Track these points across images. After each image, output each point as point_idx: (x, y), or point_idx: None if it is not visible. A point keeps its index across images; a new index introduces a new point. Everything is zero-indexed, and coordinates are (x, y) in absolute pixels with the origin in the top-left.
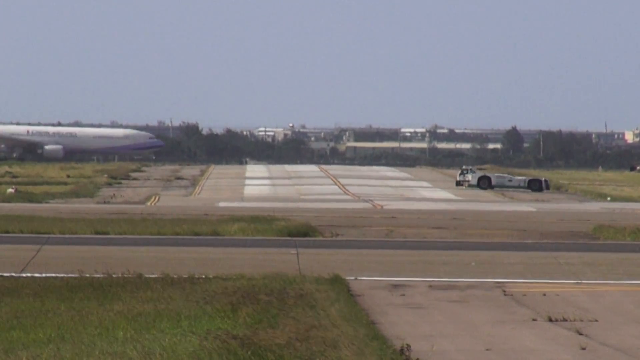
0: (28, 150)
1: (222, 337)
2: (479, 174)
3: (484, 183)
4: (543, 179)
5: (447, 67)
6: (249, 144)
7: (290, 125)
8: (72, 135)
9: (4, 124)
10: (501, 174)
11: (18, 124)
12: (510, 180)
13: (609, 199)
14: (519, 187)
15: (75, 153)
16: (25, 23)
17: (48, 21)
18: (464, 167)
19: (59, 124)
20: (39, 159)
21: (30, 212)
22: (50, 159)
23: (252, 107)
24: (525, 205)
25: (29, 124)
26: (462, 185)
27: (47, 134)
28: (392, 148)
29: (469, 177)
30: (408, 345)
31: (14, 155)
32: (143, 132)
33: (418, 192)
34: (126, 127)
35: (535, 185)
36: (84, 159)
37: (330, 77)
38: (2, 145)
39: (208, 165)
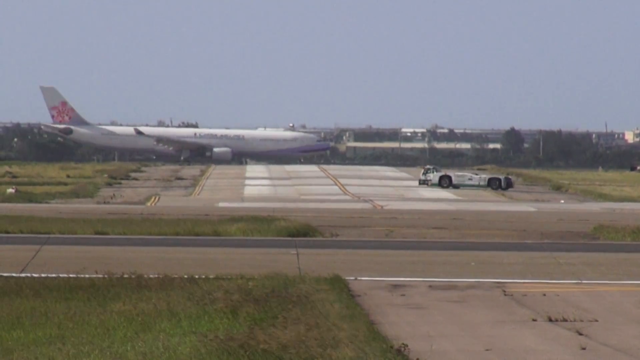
0: (197, 153)
1: (222, 337)
2: (440, 173)
3: (445, 182)
4: (503, 177)
5: (447, 67)
6: None
7: (290, 125)
8: (240, 138)
9: (172, 126)
10: (461, 173)
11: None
12: (470, 179)
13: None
14: (479, 185)
15: (242, 155)
16: (25, 23)
17: (48, 21)
18: (426, 166)
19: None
20: (208, 161)
21: (30, 212)
22: (219, 161)
23: (251, 107)
24: (525, 205)
25: (195, 127)
26: (425, 184)
27: (214, 136)
28: (392, 148)
29: (431, 176)
30: (405, 345)
31: (182, 157)
32: (311, 135)
33: (418, 192)
34: (127, 126)
35: (494, 184)
36: (249, 162)
37: (330, 77)
38: (171, 148)
39: (208, 166)
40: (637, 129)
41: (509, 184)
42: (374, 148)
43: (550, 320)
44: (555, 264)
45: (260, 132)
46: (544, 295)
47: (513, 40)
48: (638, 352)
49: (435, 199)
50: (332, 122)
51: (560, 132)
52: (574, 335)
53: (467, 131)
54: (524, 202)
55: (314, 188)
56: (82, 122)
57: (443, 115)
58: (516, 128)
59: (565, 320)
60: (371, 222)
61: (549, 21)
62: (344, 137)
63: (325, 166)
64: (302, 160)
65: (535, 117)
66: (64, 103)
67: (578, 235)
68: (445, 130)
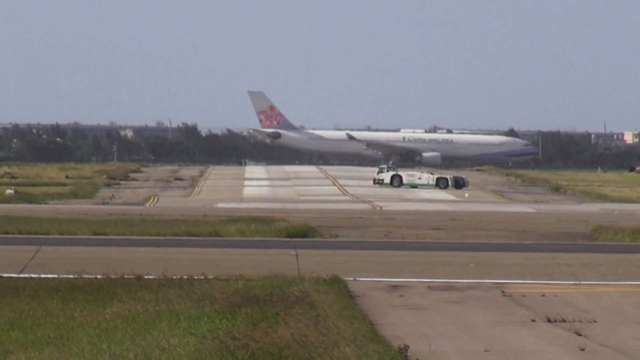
0: (406, 157)
1: (222, 337)
2: (392, 172)
3: (396, 181)
4: (451, 177)
5: (447, 67)
6: (248, 144)
7: None
8: (448, 142)
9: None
10: (412, 173)
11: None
12: (419, 179)
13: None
14: (427, 184)
15: (450, 159)
16: (25, 23)
17: (48, 21)
18: (381, 166)
19: (58, 125)
20: (416, 165)
21: (29, 213)
22: (428, 165)
23: (251, 107)
24: (524, 206)
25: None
26: (379, 183)
27: (422, 140)
28: None
29: (383, 175)
30: (406, 346)
31: (390, 162)
32: (518, 139)
33: (417, 193)
34: (125, 127)
35: (442, 183)
36: (458, 166)
37: (330, 78)
38: (379, 153)
39: (207, 166)
40: (636, 129)
41: (459, 184)
42: None
43: (549, 320)
44: (554, 265)
45: (468, 137)
46: (543, 295)
47: (513, 41)
48: (637, 353)
49: (434, 200)
50: (331, 122)
51: (559, 132)
52: (573, 336)
53: (466, 132)
54: (522, 203)
55: (313, 189)
56: (290, 127)
57: (442, 116)
58: (515, 129)
59: (564, 320)
60: (370, 223)
61: (548, 21)
62: None
63: (324, 167)
64: (510, 164)
65: (534, 118)
66: (272, 107)
67: (577, 236)
68: (444, 131)
